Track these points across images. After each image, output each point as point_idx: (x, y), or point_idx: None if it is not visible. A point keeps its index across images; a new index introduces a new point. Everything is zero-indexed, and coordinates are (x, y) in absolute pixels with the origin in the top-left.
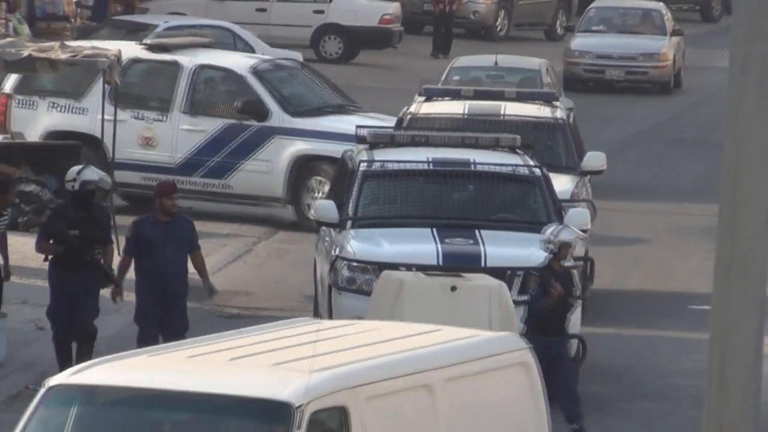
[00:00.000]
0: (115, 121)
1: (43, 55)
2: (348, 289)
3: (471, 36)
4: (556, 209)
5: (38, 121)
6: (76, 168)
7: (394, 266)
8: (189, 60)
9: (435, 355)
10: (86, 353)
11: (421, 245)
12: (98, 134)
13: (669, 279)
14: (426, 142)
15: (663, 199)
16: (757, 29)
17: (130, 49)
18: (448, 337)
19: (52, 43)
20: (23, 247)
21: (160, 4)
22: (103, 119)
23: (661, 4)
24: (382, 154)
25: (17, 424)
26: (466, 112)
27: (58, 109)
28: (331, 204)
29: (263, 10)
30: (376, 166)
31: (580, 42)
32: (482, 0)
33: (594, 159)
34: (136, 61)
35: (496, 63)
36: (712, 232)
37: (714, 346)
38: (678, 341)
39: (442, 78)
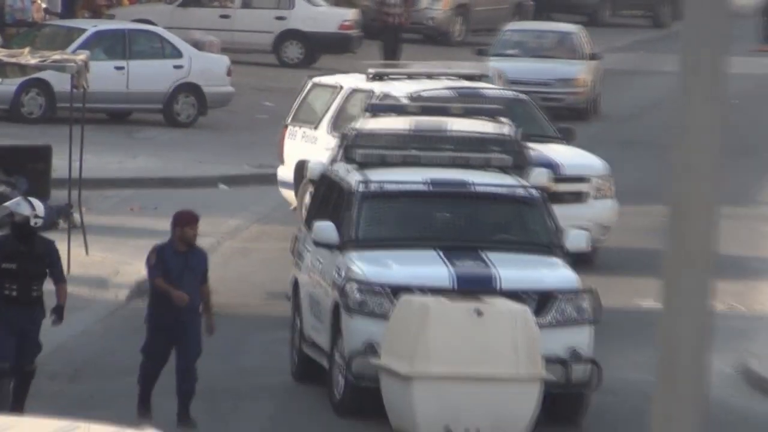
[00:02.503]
0: (70, 132)
1: (13, 60)
2: (360, 312)
3: (428, 41)
4: (557, 230)
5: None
6: (14, 200)
7: (407, 289)
8: None
9: None
10: (23, 388)
11: (432, 267)
12: None
13: (617, 274)
14: (417, 162)
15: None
16: (707, 35)
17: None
18: None
19: (21, 49)
20: None
21: (126, 11)
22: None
23: (579, 26)
24: (376, 175)
25: None
26: (411, 127)
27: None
28: (330, 225)
29: (227, 16)
30: (374, 186)
31: (493, 66)
32: (439, 6)
33: (539, 176)
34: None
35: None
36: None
37: (663, 339)
38: (626, 335)
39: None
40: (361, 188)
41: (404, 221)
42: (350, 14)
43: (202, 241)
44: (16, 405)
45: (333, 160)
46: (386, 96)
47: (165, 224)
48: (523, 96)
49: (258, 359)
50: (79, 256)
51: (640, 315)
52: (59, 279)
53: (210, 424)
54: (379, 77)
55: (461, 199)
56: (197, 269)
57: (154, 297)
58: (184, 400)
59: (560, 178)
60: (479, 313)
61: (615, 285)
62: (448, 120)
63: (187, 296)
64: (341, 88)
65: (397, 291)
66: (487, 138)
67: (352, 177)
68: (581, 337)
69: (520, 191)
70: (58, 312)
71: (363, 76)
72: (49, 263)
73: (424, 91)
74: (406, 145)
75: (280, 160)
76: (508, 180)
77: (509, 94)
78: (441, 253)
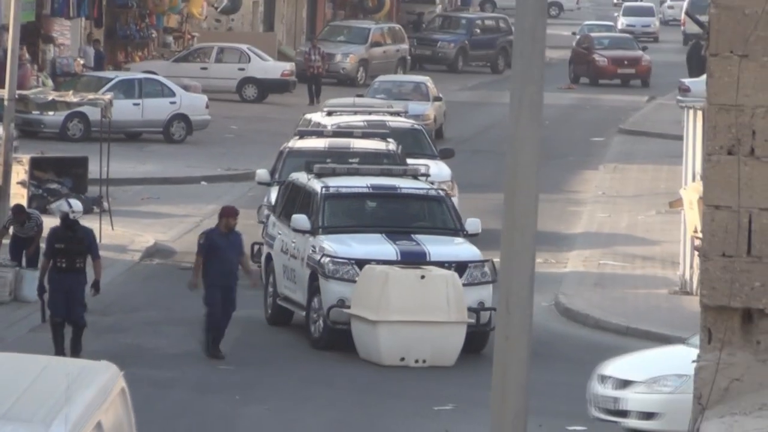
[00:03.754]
0: (100, 147)
1: (62, 99)
2: (333, 277)
3: (340, 84)
4: (459, 218)
5: None
6: (58, 201)
7: (366, 261)
8: None
9: None
10: (76, 336)
11: (382, 246)
12: None
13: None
14: (357, 173)
15: (466, 191)
16: (529, 77)
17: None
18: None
19: (67, 92)
20: (50, 225)
21: (138, 65)
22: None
23: (427, 78)
24: (331, 181)
25: None
26: (326, 146)
27: None
28: (304, 217)
29: (205, 68)
30: (333, 189)
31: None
32: (347, 60)
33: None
34: None
35: (354, 103)
36: (497, 211)
37: (503, 285)
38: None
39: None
40: (324, 191)
41: (355, 214)
42: (288, 66)
43: (189, 221)
44: (74, 353)
45: (274, 170)
46: (315, 124)
47: (166, 209)
48: (417, 126)
49: None
50: (107, 231)
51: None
52: (95, 256)
53: (196, 347)
54: (330, 113)
55: (393, 198)
56: (236, 246)
57: (206, 266)
58: (217, 339)
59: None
60: (422, 277)
61: None
62: (351, 140)
63: (196, 284)
64: (309, 119)
65: (359, 263)
66: (379, 152)
67: (315, 183)
68: (486, 293)
69: (432, 192)
70: (96, 286)
71: (324, 112)
72: (88, 245)
73: (343, 122)
74: (323, 158)
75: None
76: (422, 185)
77: (407, 125)
78: (385, 236)
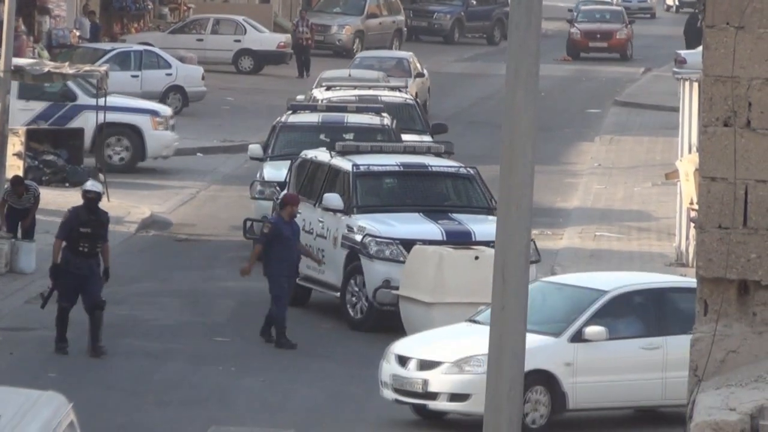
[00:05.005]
0: (96, 119)
1: (57, 71)
2: (378, 258)
3: (336, 56)
4: (491, 196)
5: None
6: (89, 182)
7: (412, 241)
8: None
9: None
10: (98, 321)
11: (424, 225)
12: None
13: None
14: (380, 150)
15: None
16: (525, 49)
17: None
18: None
19: (63, 63)
20: (46, 196)
21: (134, 37)
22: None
23: (410, 53)
24: (358, 159)
25: None
26: (320, 121)
27: None
28: (336, 196)
29: (201, 39)
30: (363, 168)
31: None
32: (343, 32)
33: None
34: None
35: (349, 75)
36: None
37: (498, 255)
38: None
39: (314, 83)
40: (354, 169)
41: (388, 192)
42: (284, 38)
43: (185, 192)
44: (93, 334)
45: (266, 145)
46: (309, 98)
47: (162, 181)
48: (410, 101)
49: (224, 270)
50: (103, 203)
51: None
52: (104, 240)
53: (192, 318)
54: (329, 87)
55: (425, 176)
56: (297, 233)
57: (269, 257)
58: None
59: None
60: (476, 258)
61: None
62: (345, 115)
63: (249, 272)
64: (312, 96)
65: (404, 243)
66: (373, 127)
67: (342, 161)
68: (531, 273)
69: (463, 170)
70: (106, 273)
71: (323, 87)
72: (107, 228)
73: (334, 96)
74: (317, 133)
75: None
76: (451, 162)
77: (399, 99)
78: (423, 215)
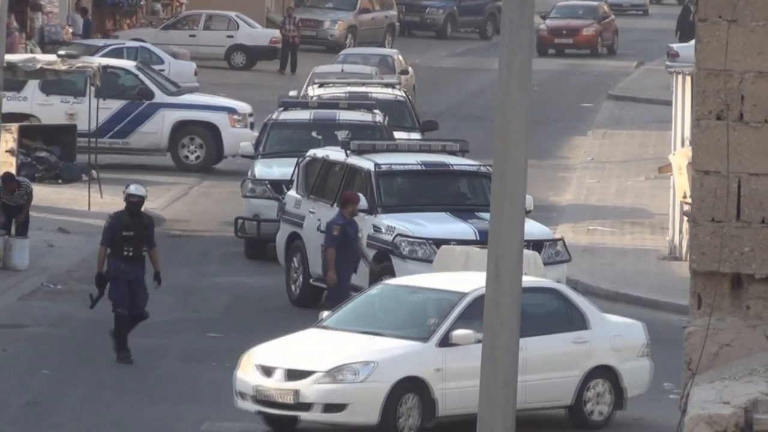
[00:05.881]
0: (90, 109)
1: (50, 67)
2: (411, 258)
3: (329, 51)
4: None
5: None
6: (132, 185)
7: (444, 241)
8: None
9: None
10: (130, 329)
11: (456, 225)
12: None
13: None
14: (396, 149)
15: None
16: (518, 43)
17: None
18: None
19: (56, 59)
20: (39, 193)
21: (126, 33)
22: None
23: (395, 50)
24: (378, 158)
25: None
26: (311, 118)
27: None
28: (360, 195)
29: (194, 35)
30: (385, 167)
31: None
32: (336, 27)
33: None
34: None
35: (342, 70)
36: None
37: (492, 250)
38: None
39: (306, 80)
40: (375, 169)
41: (410, 191)
42: (276, 33)
43: (177, 188)
44: (124, 343)
45: (258, 142)
46: (300, 95)
47: (154, 177)
48: (401, 98)
49: (217, 266)
50: (96, 199)
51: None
52: (153, 244)
53: (185, 314)
54: (321, 85)
55: (447, 175)
56: (358, 231)
57: (337, 258)
58: None
59: None
60: None
61: None
62: (337, 111)
63: (336, 279)
64: (306, 95)
65: (437, 242)
66: (364, 124)
67: (360, 160)
68: (562, 272)
69: (483, 169)
70: (158, 277)
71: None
72: (152, 231)
73: (325, 93)
74: (309, 130)
75: None
76: (471, 161)
77: (391, 96)
78: (451, 215)
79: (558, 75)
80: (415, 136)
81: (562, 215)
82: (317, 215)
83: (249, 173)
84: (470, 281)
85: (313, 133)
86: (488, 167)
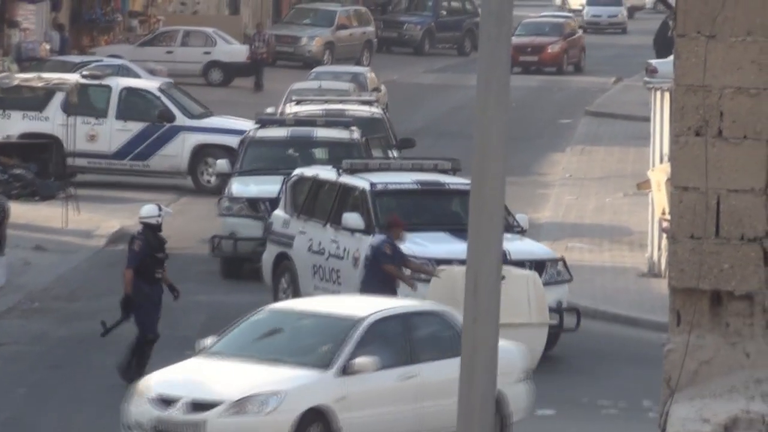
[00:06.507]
0: (66, 132)
1: (27, 84)
2: (413, 278)
3: (306, 67)
4: (507, 213)
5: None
6: (156, 208)
7: (447, 261)
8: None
9: None
10: (148, 352)
11: (456, 245)
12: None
13: None
14: (388, 168)
15: None
16: (495, 59)
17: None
18: None
19: (32, 76)
20: (16, 210)
21: (103, 50)
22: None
23: (368, 68)
24: (373, 177)
25: None
26: (288, 135)
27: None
28: (357, 215)
29: (171, 52)
30: (380, 186)
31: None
32: (313, 43)
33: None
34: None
35: (320, 86)
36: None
37: (470, 267)
38: None
39: (284, 97)
40: (371, 188)
41: (407, 211)
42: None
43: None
44: (135, 366)
45: (236, 162)
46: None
47: (131, 194)
48: (378, 115)
49: (194, 284)
50: (73, 216)
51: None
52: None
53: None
54: (298, 102)
55: (443, 194)
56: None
57: (375, 275)
58: None
59: None
60: (503, 278)
61: None
62: (314, 129)
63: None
64: (284, 112)
65: (439, 263)
66: (342, 141)
67: (354, 179)
68: (563, 292)
69: None
70: (176, 291)
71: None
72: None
73: (301, 111)
74: (286, 147)
75: None
76: (462, 180)
77: (367, 114)
78: (451, 234)
79: (536, 91)
80: (393, 153)
81: (541, 232)
82: (308, 235)
83: (226, 191)
84: (364, 306)
85: (290, 151)
86: None
